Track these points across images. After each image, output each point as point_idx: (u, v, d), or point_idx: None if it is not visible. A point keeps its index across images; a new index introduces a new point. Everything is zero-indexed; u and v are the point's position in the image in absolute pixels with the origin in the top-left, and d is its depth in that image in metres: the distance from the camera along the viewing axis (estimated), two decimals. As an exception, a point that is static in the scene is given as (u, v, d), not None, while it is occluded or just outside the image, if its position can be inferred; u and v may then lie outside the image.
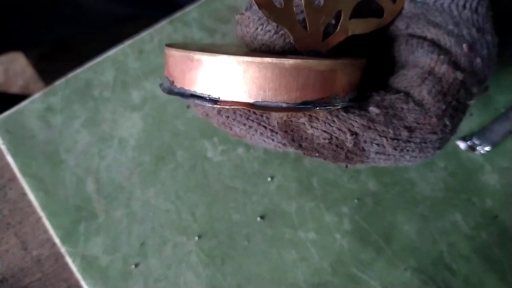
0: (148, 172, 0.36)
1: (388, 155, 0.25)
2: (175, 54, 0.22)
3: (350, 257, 0.34)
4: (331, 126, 0.24)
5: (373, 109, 0.24)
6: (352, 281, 0.33)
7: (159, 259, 0.34)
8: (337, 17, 0.24)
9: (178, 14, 0.40)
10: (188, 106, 0.36)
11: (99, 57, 0.39)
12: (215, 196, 0.35)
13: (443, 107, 0.25)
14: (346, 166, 0.27)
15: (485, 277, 0.33)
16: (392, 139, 0.24)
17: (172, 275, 0.33)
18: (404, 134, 0.24)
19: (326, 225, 0.34)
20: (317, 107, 0.22)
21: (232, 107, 0.21)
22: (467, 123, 0.37)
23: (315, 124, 0.24)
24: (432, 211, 0.35)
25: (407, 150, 0.25)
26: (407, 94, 0.25)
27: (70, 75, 0.38)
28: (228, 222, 0.35)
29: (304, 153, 0.26)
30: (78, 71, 0.38)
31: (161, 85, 0.24)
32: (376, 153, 0.25)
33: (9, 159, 0.35)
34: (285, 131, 0.25)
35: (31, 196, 0.35)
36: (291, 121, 0.25)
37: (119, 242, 0.34)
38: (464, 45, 0.25)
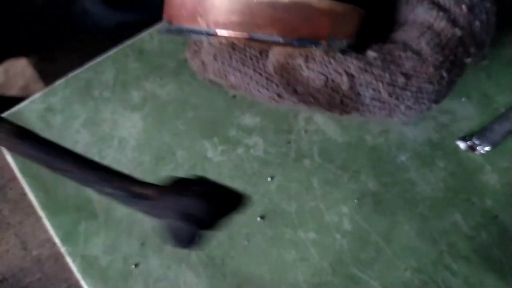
0: (148, 172, 0.35)
1: (383, 102, 0.25)
2: None
3: (350, 257, 0.34)
4: (327, 67, 0.24)
5: (371, 53, 0.25)
6: (352, 281, 0.33)
7: (159, 259, 0.34)
8: None
9: (178, 14, 0.40)
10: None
11: (99, 57, 0.39)
12: (215, 196, 0.35)
13: (441, 58, 0.25)
14: (341, 114, 0.27)
15: (485, 277, 0.33)
16: (388, 84, 0.25)
17: (172, 275, 0.33)
18: (401, 80, 0.25)
19: (326, 225, 0.34)
20: (314, 45, 0.22)
21: (230, 39, 0.21)
22: (467, 123, 0.37)
23: (311, 65, 0.24)
24: (432, 211, 0.35)
25: (403, 98, 0.25)
26: (406, 44, 0.26)
27: (70, 75, 0.38)
28: (228, 222, 0.35)
29: (299, 100, 0.26)
30: (78, 71, 0.38)
31: (160, 30, 0.24)
32: (372, 98, 0.25)
33: (9, 159, 0.35)
34: (281, 74, 0.25)
35: (31, 196, 0.35)
36: (288, 63, 0.24)
37: (119, 242, 0.34)
38: (463, 6, 0.26)
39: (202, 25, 0.21)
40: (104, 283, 0.33)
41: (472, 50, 0.27)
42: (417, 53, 0.25)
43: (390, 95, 0.25)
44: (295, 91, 0.25)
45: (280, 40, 0.21)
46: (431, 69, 0.25)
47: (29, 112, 0.36)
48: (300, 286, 0.33)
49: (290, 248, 0.34)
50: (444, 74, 0.25)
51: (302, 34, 0.21)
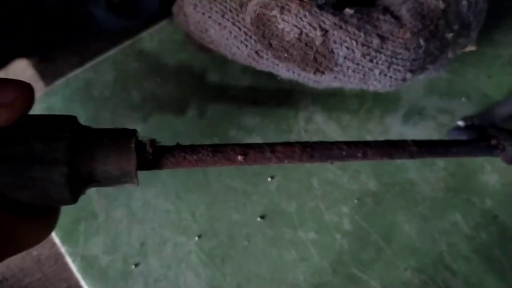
0: (148, 172, 0.35)
1: (358, 64, 0.25)
2: None
3: (350, 257, 0.34)
4: (302, 20, 0.24)
5: (348, 10, 0.24)
6: (352, 281, 0.33)
7: (159, 259, 0.34)
8: None
9: (178, 14, 0.40)
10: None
11: (99, 57, 0.39)
12: (215, 196, 0.35)
13: (420, 26, 0.25)
14: (315, 74, 0.26)
15: (485, 277, 0.33)
16: (363, 44, 0.24)
17: (172, 275, 0.33)
18: (376, 41, 0.24)
19: (326, 225, 0.34)
20: None
21: None
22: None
23: (286, 17, 0.24)
24: (432, 211, 0.35)
25: (377, 62, 0.25)
26: (386, 9, 0.25)
27: (70, 75, 0.38)
28: (228, 222, 0.35)
29: (274, 56, 0.25)
30: (78, 71, 0.38)
31: None
32: (345, 58, 0.25)
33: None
34: (257, 27, 0.25)
35: (31, 196, 0.35)
36: (264, 14, 0.24)
37: (119, 242, 0.34)
38: None
39: None
40: (104, 283, 0.33)
41: (456, 27, 0.26)
42: (396, 17, 0.25)
43: (363, 56, 0.24)
44: (270, 45, 0.25)
45: None
46: (408, 35, 0.25)
47: (29, 112, 0.36)
48: (300, 286, 0.33)
49: (290, 248, 0.34)
50: (422, 43, 0.25)
51: None
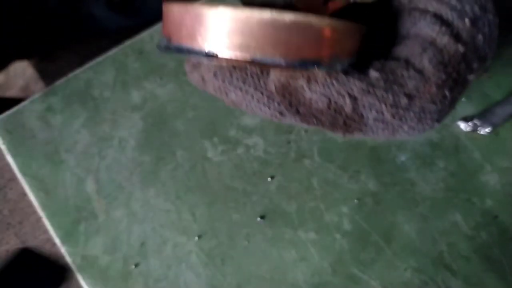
0: (148, 172, 0.36)
1: (387, 123, 0.25)
2: (173, 9, 0.22)
3: (350, 257, 0.34)
4: (329, 89, 0.24)
5: (373, 74, 0.24)
6: (352, 281, 0.33)
7: (159, 259, 0.34)
8: None
9: (178, 14, 0.40)
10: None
11: (99, 57, 0.39)
12: (215, 196, 0.35)
13: (443, 77, 0.25)
14: (344, 135, 0.26)
15: (485, 277, 0.33)
16: (391, 105, 0.24)
17: (172, 275, 0.33)
18: (404, 101, 0.24)
19: (326, 225, 0.34)
20: (316, 66, 0.21)
21: (230, 62, 0.21)
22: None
23: (313, 87, 0.24)
24: (432, 211, 0.35)
25: (406, 119, 0.25)
26: (408, 62, 0.25)
27: (70, 75, 0.38)
28: (228, 222, 0.35)
29: (302, 120, 0.25)
30: (78, 71, 0.38)
31: (158, 46, 0.23)
32: (375, 120, 0.25)
33: (9, 159, 0.35)
34: (283, 95, 0.25)
35: (31, 196, 0.35)
36: (289, 83, 0.24)
37: (119, 242, 0.34)
38: (467, 19, 0.25)
39: (202, 45, 0.21)
40: (104, 283, 0.33)
41: (475, 65, 0.26)
42: (420, 71, 0.25)
43: (393, 116, 0.25)
44: (297, 112, 0.25)
45: (282, 62, 0.21)
46: (433, 89, 0.25)
47: (29, 112, 0.36)
48: (300, 286, 0.33)
49: (290, 248, 0.34)
50: (447, 93, 0.25)
51: (304, 55, 0.21)
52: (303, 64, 0.21)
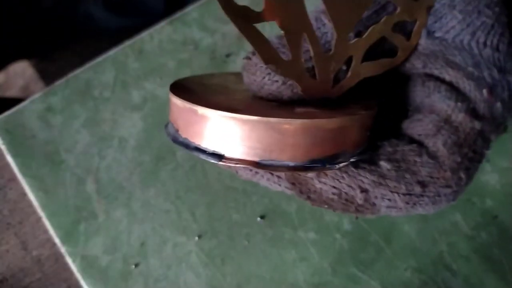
0: (148, 172, 0.36)
1: (400, 208, 0.24)
2: (178, 104, 0.22)
3: (350, 257, 0.34)
4: (340, 182, 0.23)
5: (384, 164, 0.23)
6: (352, 281, 0.33)
7: (159, 259, 0.34)
8: (348, 62, 0.23)
9: (178, 14, 0.40)
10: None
11: (99, 57, 0.39)
12: (215, 196, 0.35)
13: (458, 159, 0.23)
14: (356, 218, 0.26)
15: (485, 277, 0.33)
16: (404, 194, 0.23)
17: (172, 275, 0.33)
18: (417, 189, 0.23)
19: (326, 225, 0.34)
20: (325, 165, 0.21)
21: (237, 165, 0.21)
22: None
23: (323, 180, 0.23)
24: (432, 211, 0.35)
25: (420, 204, 0.24)
26: (421, 145, 0.24)
27: (70, 75, 0.38)
28: (228, 222, 0.35)
29: (313, 204, 0.25)
30: (78, 71, 0.38)
31: (166, 129, 0.23)
32: (388, 207, 0.24)
33: (9, 159, 0.35)
34: (293, 183, 0.24)
35: (31, 196, 0.35)
36: (299, 175, 0.24)
37: (119, 242, 0.34)
38: (484, 90, 0.24)
39: (208, 146, 0.21)
40: (104, 283, 0.33)
41: (493, 137, 0.25)
42: (433, 156, 0.24)
43: (407, 203, 0.24)
44: (308, 197, 0.24)
45: (290, 164, 0.21)
46: (448, 174, 0.23)
47: (29, 112, 0.36)
48: (300, 286, 0.33)
49: (290, 248, 0.34)
50: (462, 176, 0.24)
51: (312, 156, 0.21)
52: (312, 165, 0.21)
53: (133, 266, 0.33)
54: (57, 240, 0.34)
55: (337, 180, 0.23)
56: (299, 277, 0.33)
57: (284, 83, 0.23)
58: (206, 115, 0.20)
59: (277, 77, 0.23)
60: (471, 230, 0.34)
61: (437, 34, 0.25)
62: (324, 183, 0.23)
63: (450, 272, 0.33)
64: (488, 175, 0.35)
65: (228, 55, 0.39)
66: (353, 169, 0.23)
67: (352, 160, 0.22)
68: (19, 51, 0.59)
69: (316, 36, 0.21)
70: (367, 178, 0.23)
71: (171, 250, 0.34)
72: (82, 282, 0.33)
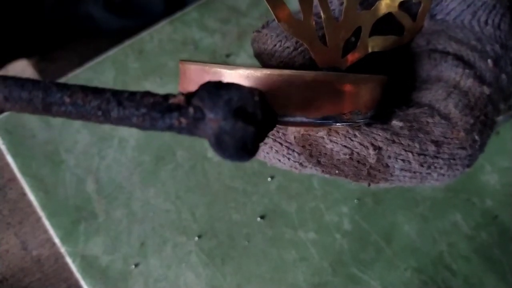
0: (148, 172, 0.36)
1: (414, 172, 0.24)
2: (191, 68, 0.22)
3: (350, 257, 0.34)
4: (352, 140, 0.23)
5: (396, 123, 0.23)
6: (352, 281, 0.33)
7: (159, 259, 0.34)
8: (357, 34, 0.24)
9: (178, 14, 0.40)
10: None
11: (99, 57, 0.39)
12: (215, 196, 0.35)
13: (471, 121, 0.23)
14: (369, 185, 0.26)
15: (485, 277, 0.33)
16: (419, 154, 0.23)
17: (172, 275, 0.33)
18: (431, 149, 0.23)
19: (326, 225, 0.34)
20: (338, 122, 0.21)
21: None
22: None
23: (334, 138, 0.23)
24: (432, 211, 0.35)
25: (435, 167, 0.24)
26: (432, 108, 0.24)
27: (70, 75, 0.38)
28: (228, 222, 0.35)
29: (323, 171, 0.24)
30: (78, 71, 0.38)
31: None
32: (401, 169, 0.23)
33: (9, 159, 0.35)
34: (303, 146, 0.24)
35: (31, 196, 0.35)
36: (309, 135, 0.23)
37: (119, 242, 0.34)
38: (489, 61, 0.24)
39: None
40: (104, 283, 0.33)
41: (501, 106, 0.25)
42: (446, 117, 0.24)
43: (421, 164, 0.23)
44: (318, 163, 0.24)
45: (303, 120, 0.20)
46: (462, 134, 0.23)
47: (29, 112, 0.36)
48: (300, 286, 0.33)
49: (290, 248, 0.34)
50: (477, 137, 0.24)
51: (325, 112, 0.21)
52: (325, 121, 0.21)
53: (133, 266, 0.33)
54: (57, 240, 0.34)
55: (349, 138, 0.23)
56: (299, 277, 0.33)
57: (295, 49, 0.23)
58: (219, 72, 0.21)
59: (288, 43, 0.23)
60: (471, 230, 0.34)
61: (438, 17, 0.26)
62: (335, 142, 0.23)
63: (450, 272, 0.33)
64: (488, 175, 0.35)
65: (228, 55, 0.39)
66: (365, 128, 0.23)
67: (364, 121, 0.22)
68: (19, 51, 0.59)
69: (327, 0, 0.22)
70: (379, 135, 0.23)
71: (171, 250, 0.34)
72: (82, 282, 0.33)
